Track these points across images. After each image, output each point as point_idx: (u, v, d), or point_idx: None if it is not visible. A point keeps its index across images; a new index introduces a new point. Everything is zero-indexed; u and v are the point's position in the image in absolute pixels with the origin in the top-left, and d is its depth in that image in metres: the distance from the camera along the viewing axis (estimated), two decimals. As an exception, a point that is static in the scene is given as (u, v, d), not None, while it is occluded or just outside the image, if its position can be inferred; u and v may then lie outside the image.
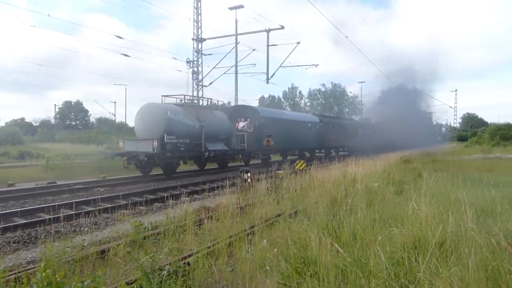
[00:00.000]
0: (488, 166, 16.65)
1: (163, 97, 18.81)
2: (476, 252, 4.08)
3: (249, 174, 11.47)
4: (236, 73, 29.85)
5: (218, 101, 21.75)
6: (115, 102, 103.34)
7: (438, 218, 5.70)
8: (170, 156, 16.83)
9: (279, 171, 14.37)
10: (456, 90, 56.17)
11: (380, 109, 46.54)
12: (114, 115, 70.12)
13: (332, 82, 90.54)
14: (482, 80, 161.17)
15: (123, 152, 17.07)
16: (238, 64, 29.45)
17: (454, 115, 68.43)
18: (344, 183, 10.30)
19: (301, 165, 16.23)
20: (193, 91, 27.28)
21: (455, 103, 63.62)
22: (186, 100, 19.16)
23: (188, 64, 27.07)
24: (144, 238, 6.27)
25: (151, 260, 4.26)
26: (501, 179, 11.47)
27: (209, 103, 20.68)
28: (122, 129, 62.90)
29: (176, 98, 19.10)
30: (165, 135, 16.66)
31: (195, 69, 27.07)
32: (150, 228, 7.03)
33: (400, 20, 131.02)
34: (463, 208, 6.72)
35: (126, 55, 25.78)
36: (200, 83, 27.34)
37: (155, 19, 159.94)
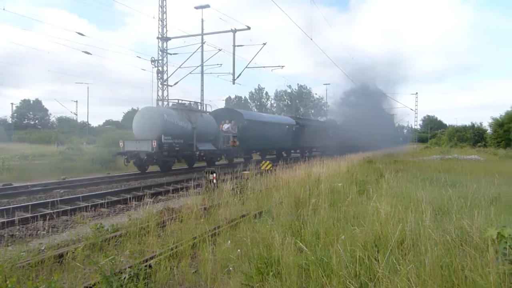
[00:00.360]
0: (446, 167, 17.29)
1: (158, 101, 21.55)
2: (432, 249, 4.22)
3: (214, 174, 11.40)
4: (202, 73, 29.65)
5: (206, 104, 23.61)
6: (76, 101, 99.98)
7: (398, 217, 5.85)
8: (166, 155, 18.44)
9: (245, 172, 14.36)
10: (416, 93, 58.15)
11: (344, 110, 47.59)
12: (76, 115, 67.91)
13: (298, 84, 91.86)
14: (441, 84, 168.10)
15: (124, 151, 18.41)
16: (204, 64, 29.26)
17: (415, 117, 71.58)
18: (308, 183, 10.43)
19: (266, 166, 16.29)
20: (158, 90, 26.86)
21: (416, 105, 65.86)
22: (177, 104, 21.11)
23: (152, 63, 26.60)
24: (105, 240, 6.10)
25: (111, 263, 4.14)
26: (458, 179, 11.95)
27: (198, 107, 22.68)
28: (84, 129, 61.11)
29: (170, 102, 21.23)
30: (162, 135, 18.23)
31: (160, 68, 26.64)
32: (111, 230, 6.85)
33: (365, 24, 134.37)
34: (422, 207, 6.98)
35: (87, 53, 24.93)
36: (165, 83, 26.95)
37: (119, 17, 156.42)
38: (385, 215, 5.83)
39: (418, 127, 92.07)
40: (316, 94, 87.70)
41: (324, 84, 64.32)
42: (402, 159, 23.61)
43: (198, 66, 29.30)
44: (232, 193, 9.37)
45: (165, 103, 25.10)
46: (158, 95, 26.81)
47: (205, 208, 8.14)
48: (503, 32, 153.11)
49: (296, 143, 32.07)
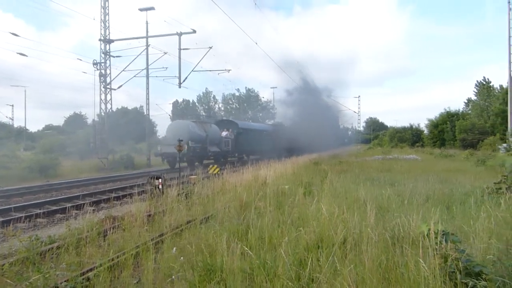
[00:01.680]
0: (387, 167, 18.04)
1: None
2: (372, 247, 4.34)
3: (160, 180, 11.12)
4: (148, 76, 28.96)
5: (210, 116, 31.74)
6: (12, 105, 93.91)
7: (341, 217, 5.99)
8: (191, 155, 25.45)
9: (192, 176, 14.17)
10: (359, 96, 60.73)
11: (290, 112, 48.58)
12: (12, 119, 63.63)
13: (246, 87, 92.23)
14: (382, 88, 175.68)
15: (162, 153, 25.48)
16: (149, 67, 28.62)
17: (358, 119, 73.50)
18: (255, 186, 10.46)
19: (214, 170, 16.19)
20: (100, 94, 25.87)
21: (359, 108, 68.17)
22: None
23: (95, 66, 25.61)
24: (40, 254, 5.72)
25: (44, 278, 3.88)
26: (397, 178, 12.50)
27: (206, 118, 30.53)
28: (22, 135, 57.50)
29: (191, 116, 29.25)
30: (189, 141, 24.88)
31: (102, 71, 25.69)
32: (48, 242, 6.45)
33: (308, 29, 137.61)
34: (363, 206, 7.21)
35: (23, 55, 23.51)
36: (108, 86, 26.03)
37: (58, 17, 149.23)
38: (328, 216, 5.94)
39: (362, 128, 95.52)
40: (263, 97, 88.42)
41: (271, 88, 64.75)
42: (347, 160, 24.36)
43: (143, 69, 28.63)
44: (178, 199, 9.19)
45: (108, 107, 26.52)
46: (101, 98, 25.86)
47: (149, 215, 7.91)
48: (437, 38, 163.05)
49: (274, 146, 35.99)
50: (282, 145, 37.15)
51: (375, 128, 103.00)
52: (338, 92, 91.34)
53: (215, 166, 16.51)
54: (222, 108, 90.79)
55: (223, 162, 27.45)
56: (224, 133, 30.91)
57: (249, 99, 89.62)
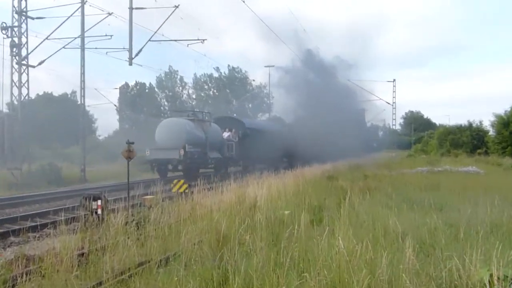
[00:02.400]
0: (434, 183, 18.20)
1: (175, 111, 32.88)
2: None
3: (99, 202, 11.09)
4: (83, 48, 28.89)
5: (209, 113, 35.56)
6: None
7: (365, 257, 6.00)
8: (189, 162, 27.71)
9: (147, 197, 14.18)
10: (394, 80, 60.23)
11: (291, 102, 49.01)
12: None
13: (229, 66, 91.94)
14: (424, 69, 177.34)
15: (152, 159, 28.18)
16: (85, 34, 28.55)
17: (393, 113, 73.03)
18: (240, 211, 10.47)
19: (180, 187, 16.22)
20: (11, 73, 25.70)
21: (394, 97, 67.15)
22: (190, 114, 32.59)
23: (4, 31, 25.46)
24: None
25: None
26: (448, 200, 12.62)
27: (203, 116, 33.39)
28: None
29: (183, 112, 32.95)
30: (186, 145, 27.42)
31: (15, 39, 25.55)
32: None
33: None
34: (398, 242, 7.24)
35: None
36: (24, 62, 25.89)
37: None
38: (346, 255, 5.95)
39: (398, 127, 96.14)
40: (254, 80, 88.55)
41: (265, 67, 64.33)
42: (375, 173, 24.53)
43: (76, 38, 28.56)
44: (125, 230, 9.18)
45: (24, 92, 26.33)
46: (12, 80, 25.75)
47: (82, 255, 7.89)
48: (502, 1, 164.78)
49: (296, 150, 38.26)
50: (291, 151, 39.40)
51: (417, 126, 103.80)
52: (363, 72, 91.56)
53: (181, 181, 16.58)
54: (194, 96, 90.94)
55: (223, 173, 30.05)
56: (226, 134, 34.09)
57: (234, 82, 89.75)
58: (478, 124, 61.84)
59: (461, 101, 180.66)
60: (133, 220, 9.84)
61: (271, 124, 48.76)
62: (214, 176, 23.67)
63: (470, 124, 62.08)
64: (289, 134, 41.42)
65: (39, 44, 28.98)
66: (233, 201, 11.86)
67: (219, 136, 32.95)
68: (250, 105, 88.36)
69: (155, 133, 30.05)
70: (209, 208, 11.11)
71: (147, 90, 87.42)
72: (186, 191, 15.52)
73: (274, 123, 49.75)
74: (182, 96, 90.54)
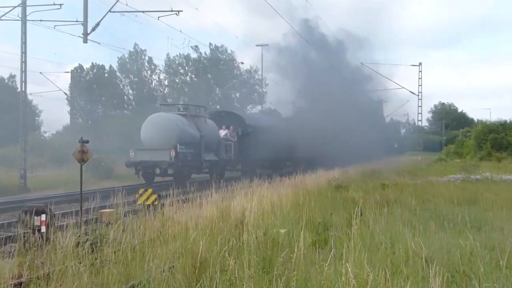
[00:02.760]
0: (470, 196, 18.31)
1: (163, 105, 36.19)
2: None
3: (43, 217, 11.14)
4: (24, 20, 28.87)
5: (204, 107, 37.86)
6: None
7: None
8: (181, 166, 29.80)
9: (105, 210, 14.22)
10: (420, 64, 59.53)
11: (289, 90, 49.50)
12: None
13: (211, 44, 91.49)
14: (457, 50, 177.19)
15: (137, 161, 29.97)
16: (27, 2, 28.53)
17: (419, 106, 72.28)
18: (223, 229, 10.56)
19: (148, 198, 16.29)
20: None
21: (420, 85, 66.09)
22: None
23: None
24: None
25: None
26: (488, 218, 12.68)
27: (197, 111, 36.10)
28: None
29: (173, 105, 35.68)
30: (177, 145, 29.50)
31: None
32: None
33: None
34: (423, 270, 7.30)
35: None
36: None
37: None
38: (359, 287, 6.04)
39: (425, 123, 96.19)
40: (242, 63, 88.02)
41: (257, 46, 63.76)
42: (396, 181, 24.65)
43: (15, 7, 28.52)
44: (76, 253, 9.18)
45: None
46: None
47: (20, 284, 7.94)
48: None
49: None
50: (294, 153, 42.30)
51: (449, 123, 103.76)
52: (380, 53, 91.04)
53: (149, 191, 16.62)
54: (166, 82, 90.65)
55: (217, 179, 30.11)
56: (222, 133, 36.33)
57: (217, 65, 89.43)
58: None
59: (505, 91, 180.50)
60: (87, 240, 9.78)
61: (275, 120, 49.90)
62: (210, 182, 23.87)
63: (518, 121, 62.07)
64: (292, 132, 42.78)
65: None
66: (215, 217, 11.93)
67: (216, 135, 35.14)
68: (237, 95, 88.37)
69: (141, 130, 31.87)
70: (184, 225, 11.15)
71: (106, 75, 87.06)
72: (156, 203, 15.53)
73: (278, 119, 51.51)
74: (151, 82, 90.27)
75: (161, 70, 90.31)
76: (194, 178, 32.66)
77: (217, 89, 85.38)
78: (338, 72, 50.76)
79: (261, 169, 40.18)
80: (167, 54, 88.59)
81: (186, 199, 15.72)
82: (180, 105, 37.06)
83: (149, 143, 30.59)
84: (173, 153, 28.92)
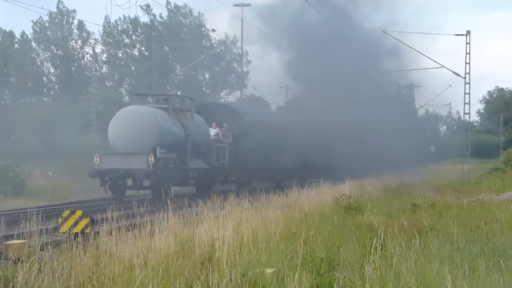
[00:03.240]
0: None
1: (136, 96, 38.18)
2: None
3: None
4: None
5: (191, 98, 38.94)
6: None
7: None
8: (161, 176, 30.08)
9: (14, 241, 14.05)
10: (468, 33, 59.24)
11: (287, 70, 49.68)
12: None
13: (168, 3, 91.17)
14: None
15: (103, 169, 30.46)
16: None
17: (466, 93, 71.78)
18: (185, 268, 10.40)
19: (75, 223, 16.13)
20: None
21: (467, 63, 65.68)
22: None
23: None
24: None
25: None
26: None
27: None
28: None
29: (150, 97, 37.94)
30: (157, 148, 29.98)
31: None
32: None
33: None
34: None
35: None
36: None
37: None
38: None
39: (475, 117, 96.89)
40: (214, 31, 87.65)
41: (235, 5, 63.73)
42: (432, 200, 24.62)
43: None
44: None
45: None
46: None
47: None
48: None
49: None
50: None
51: (510, 116, 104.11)
52: (409, 18, 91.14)
53: (79, 213, 16.42)
54: (104, 57, 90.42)
55: (204, 193, 31.07)
56: (213, 132, 37.25)
57: (178, 33, 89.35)
58: None
59: None
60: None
61: (279, 115, 52.61)
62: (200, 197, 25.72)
63: None
64: (293, 131, 43.90)
65: None
66: (173, 250, 11.80)
67: (205, 135, 35.96)
68: (207, 76, 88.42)
69: (108, 129, 32.51)
70: (127, 263, 11.01)
71: (16, 45, 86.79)
72: (87, 230, 15.31)
73: (284, 114, 53.72)
74: (83, 57, 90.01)
75: (96, 40, 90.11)
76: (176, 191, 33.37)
77: (178, 67, 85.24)
78: (349, 44, 50.75)
79: (260, 181, 42.14)
80: (106, 17, 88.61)
81: (131, 225, 15.55)
82: (158, 96, 37.59)
83: (119, 145, 31.05)
84: (151, 159, 29.15)
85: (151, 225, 14.44)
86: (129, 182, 30.78)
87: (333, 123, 41.50)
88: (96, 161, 30.86)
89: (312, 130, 41.26)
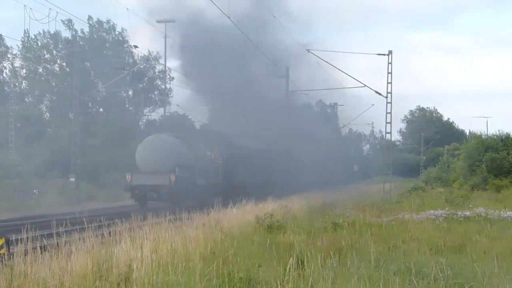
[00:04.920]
0: (456, 240, 18.47)
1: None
2: None
3: None
4: None
5: (193, 124, 51.16)
6: None
7: None
8: (178, 190, 39.10)
9: None
10: (389, 53, 59.28)
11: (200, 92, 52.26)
12: None
13: (90, 19, 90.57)
14: (449, 33, 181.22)
15: (134, 185, 40.37)
16: None
17: (388, 112, 71.68)
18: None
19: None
20: None
21: (389, 82, 65.20)
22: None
23: None
24: None
25: None
26: (480, 272, 12.76)
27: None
28: None
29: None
30: (176, 168, 39.65)
31: None
32: None
33: None
34: None
35: None
36: None
37: None
38: None
39: (397, 136, 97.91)
40: (136, 47, 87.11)
41: (158, 22, 63.91)
42: (353, 218, 24.83)
43: None
44: None
45: None
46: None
47: None
48: None
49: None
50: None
51: (431, 136, 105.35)
52: (330, 35, 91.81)
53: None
54: (23, 73, 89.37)
55: (199, 206, 36.00)
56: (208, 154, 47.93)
57: (100, 49, 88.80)
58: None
59: (509, 93, 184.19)
60: None
61: (252, 141, 59.41)
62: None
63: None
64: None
65: None
66: (90, 271, 11.74)
67: (205, 157, 46.64)
68: (130, 92, 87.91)
69: (136, 152, 44.05)
70: (42, 285, 10.93)
71: None
72: (1, 252, 15.12)
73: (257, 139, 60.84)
74: (1, 72, 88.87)
75: (15, 55, 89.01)
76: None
77: (100, 83, 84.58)
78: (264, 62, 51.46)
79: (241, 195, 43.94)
80: (25, 31, 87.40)
81: (48, 246, 15.41)
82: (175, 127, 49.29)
83: (146, 166, 41.57)
84: (173, 177, 38.98)
85: (69, 245, 14.33)
86: (153, 195, 39.13)
87: (250, 145, 44.58)
88: (128, 178, 40.77)
89: (241, 152, 50.94)
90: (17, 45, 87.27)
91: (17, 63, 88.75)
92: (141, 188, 38.62)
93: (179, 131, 48.32)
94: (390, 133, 60.16)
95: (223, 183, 46.04)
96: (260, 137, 57.16)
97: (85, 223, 18.21)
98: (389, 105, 55.98)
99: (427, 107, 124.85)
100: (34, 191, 55.65)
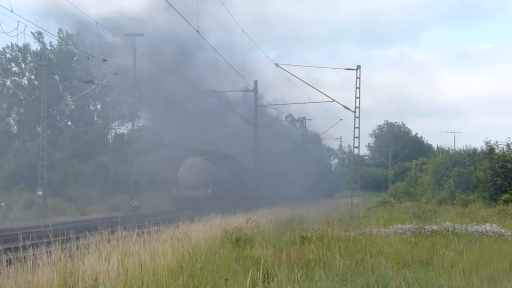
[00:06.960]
0: (423, 254, 18.58)
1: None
2: None
3: None
4: None
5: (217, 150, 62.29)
6: None
7: None
8: (212, 201, 54.31)
9: None
10: (358, 68, 59.15)
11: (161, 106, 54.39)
12: None
13: (60, 32, 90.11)
14: (416, 48, 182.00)
15: (179, 196, 59.36)
16: None
17: (356, 127, 71.33)
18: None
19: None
20: None
21: (358, 97, 64.91)
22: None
23: None
24: None
25: None
26: (444, 285, 12.87)
27: None
28: None
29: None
30: (210, 184, 58.70)
31: None
32: None
33: None
34: None
35: None
36: None
37: None
38: None
39: (365, 151, 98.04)
40: (105, 60, 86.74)
41: (127, 35, 64.09)
42: (320, 232, 24.87)
43: None
44: None
45: None
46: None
47: None
48: None
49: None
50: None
51: (399, 151, 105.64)
52: (298, 50, 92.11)
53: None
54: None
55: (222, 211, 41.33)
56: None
57: (69, 62, 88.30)
58: (506, 148, 59.47)
59: (477, 107, 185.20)
60: None
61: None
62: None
63: (491, 149, 59.96)
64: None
65: None
66: (56, 284, 11.69)
67: (223, 174, 59.85)
68: (98, 106, 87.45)
69: (179, 171, 60.13)
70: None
71: None
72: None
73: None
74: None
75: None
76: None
77: (68, 96, 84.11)
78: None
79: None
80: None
81: (12, 260, 15.32)
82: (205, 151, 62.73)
83: (187, 181, 56.41)
84: (209, 190, 52.71)
85: (36, 258, 14.24)
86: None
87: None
88: (174, 191, 56.45)
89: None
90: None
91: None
92: (184, 198, 51.82)
93: (207, 154, 61.13)
94: (358, 147, 60.36)
95: (233, 195, 58.03)
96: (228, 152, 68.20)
97: (51, 236, 18.08)
98: (357, 119, 56.01)
99: (395, 122, 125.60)
100: (1, 204, 55.44)
